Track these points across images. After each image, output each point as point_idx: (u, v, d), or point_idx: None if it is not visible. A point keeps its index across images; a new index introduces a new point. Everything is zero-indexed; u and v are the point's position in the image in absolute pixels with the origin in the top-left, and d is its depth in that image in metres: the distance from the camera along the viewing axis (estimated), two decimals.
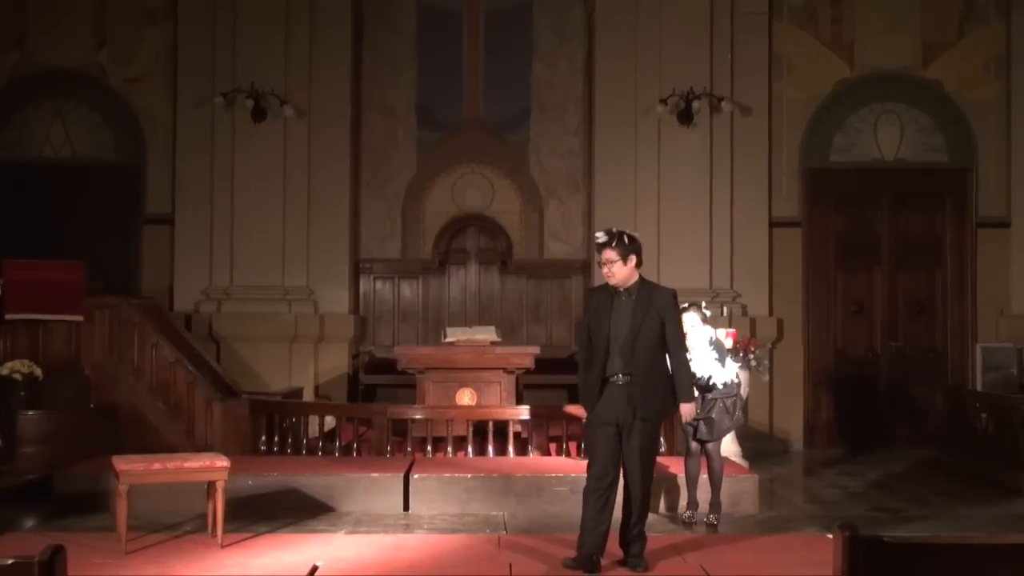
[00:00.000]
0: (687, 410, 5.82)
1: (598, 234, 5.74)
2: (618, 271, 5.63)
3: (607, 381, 5.62)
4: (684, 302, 7.14)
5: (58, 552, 3.03)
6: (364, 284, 12.09)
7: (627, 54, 11.29)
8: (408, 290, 12.15)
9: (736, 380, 7.00)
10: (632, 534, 5.70)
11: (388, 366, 10.37)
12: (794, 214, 11.61)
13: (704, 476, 7.01)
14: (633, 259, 5.64)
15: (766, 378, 9.68)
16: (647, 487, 5.72)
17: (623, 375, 5.58)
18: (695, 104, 10.96)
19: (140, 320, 9.37)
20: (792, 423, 11.38)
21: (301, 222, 11.24)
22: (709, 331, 7.01)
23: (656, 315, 5.63)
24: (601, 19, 11.46)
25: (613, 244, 5.60)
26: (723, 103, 11.08)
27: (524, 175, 12.15)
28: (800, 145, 11.63)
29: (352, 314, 11.54)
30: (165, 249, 11.41)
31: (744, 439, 9.26)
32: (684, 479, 7.10)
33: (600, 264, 5.72)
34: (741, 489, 7.40)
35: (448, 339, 9.26)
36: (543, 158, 12.15)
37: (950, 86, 11.61)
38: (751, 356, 8.87)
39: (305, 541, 6.28)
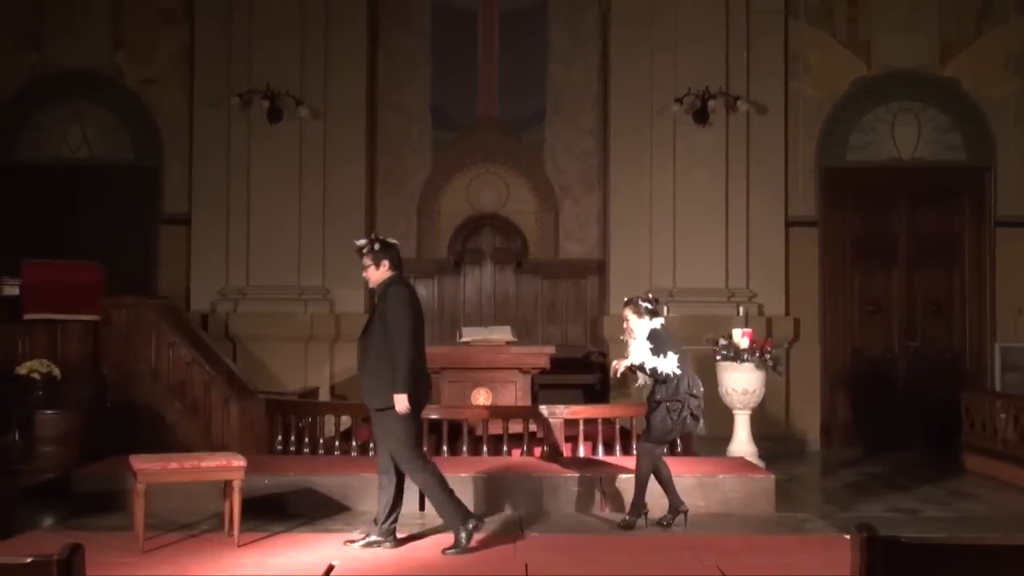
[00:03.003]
0: (395, 401, 5.91)
1: (356, 243, 6.21)
2: (371, 274, 6.14)
3: None
4: (624, 297, 7.17)
5: (76, 551, 3.04)
6: None
7: (642, 54, 11.28)
8: (423, 290, 12.14)
9: (684, 387, 6.68)
10: (445, 522, 6.10)
11: None
12: (810, 213, 11.57)
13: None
14: (385, 264, 6.10)
15: (782, 378, 9.64)
16: (414, 476, 6.01)
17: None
18: (711, 104, 10.94)
19: (157, 320, 9.40)
20: (809, 423, 11.34)
21: (317, 222, 11.27)
22: (648, 324, 6.80)
23: (378, 312, 6.04)
24: (616, 19, 11.45)
25: (365, 251, 6.11)
26: (739, 102, 11.05)
27: (539, 175, 12.14)
28: (816, 144, 11.59)
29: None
30: (182, 249, 11.46)
31: (760, 439, 9.23)
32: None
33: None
34: (758, 489, 7.37)
35: (463, 339, 9.26)
36: (558, 158, 12.14)
37: (968, 84, 11.55)
38: (767, 356, 8.84)
39: (321, 540, 6.29)
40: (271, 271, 11.15)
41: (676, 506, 6.84)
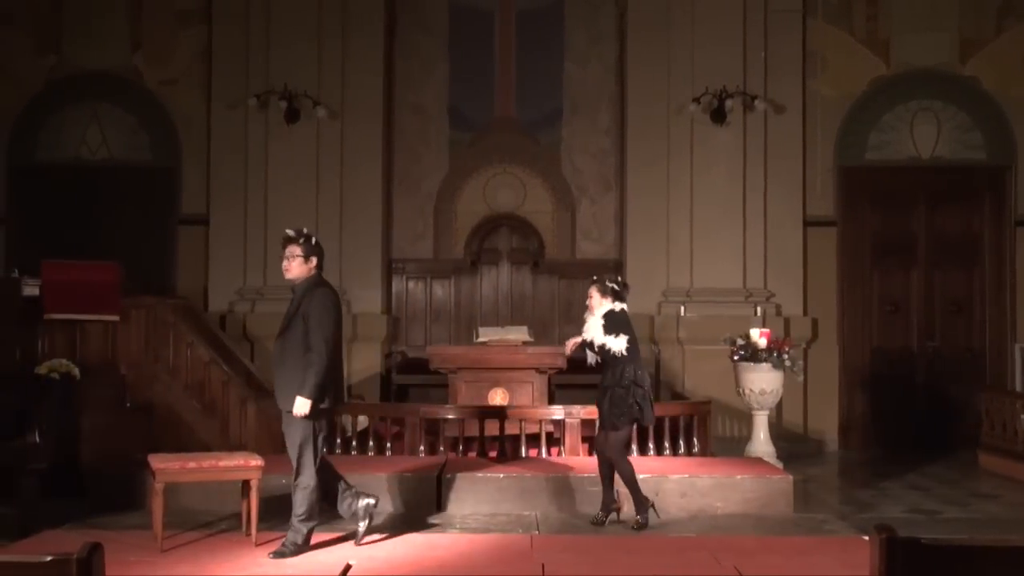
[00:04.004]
0: (297, 403, 5.82)
1: (288, 231, 6.10)
2: (296, 266, 5.99)
3: None
4: (594, 275, 7.24)
5: (96, 550, 3.05)
6: (396, 284, 12.13)
7: (660, 53, 11.25)
8: (440, 290, 12.17)
9: (630, 374, 6.72)
10: (290, 526, 5.92)
11: (420, 366, 10.38)
12: (829, 213, 11.52)
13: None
14: (313, 260, 6.03)
15: (800, 378, 9.60)
16: (299, 479, 5.88)
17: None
18: (728, 103, 10.90)
19: (175, 320, 9.45)
20: (827, 424, 11.28)
21: (334, 222, 11.29)
22: (609, 305, 6.85)
23: (302, 311, 5.92)
24: (633, 18, 11.43)
25: (300, 241, 6.00)
26: (756, 102, 11.01)
27: (556, 175, 12.13)
28: (835, 143, 11.53)
29: (384, 314, 11.57)
30: (200, 249, 11.51)
31: (778, 439, 9.19)
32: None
33: (281, 257, 6.04)
34: (775, 490, 7.35)
35: (480, 339, 9.26)
36: (575, 157, 12.12)
37: (988, 83, 11.46)
38: (785, 356, 8.80)
39: (338, 540, 6.30)
40: None
41: (608, 504, 6.89)
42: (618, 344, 6.72)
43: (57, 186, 11.55)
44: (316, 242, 6.07)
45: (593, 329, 6.83)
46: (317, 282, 6.05)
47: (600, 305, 6.88)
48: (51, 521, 6.74)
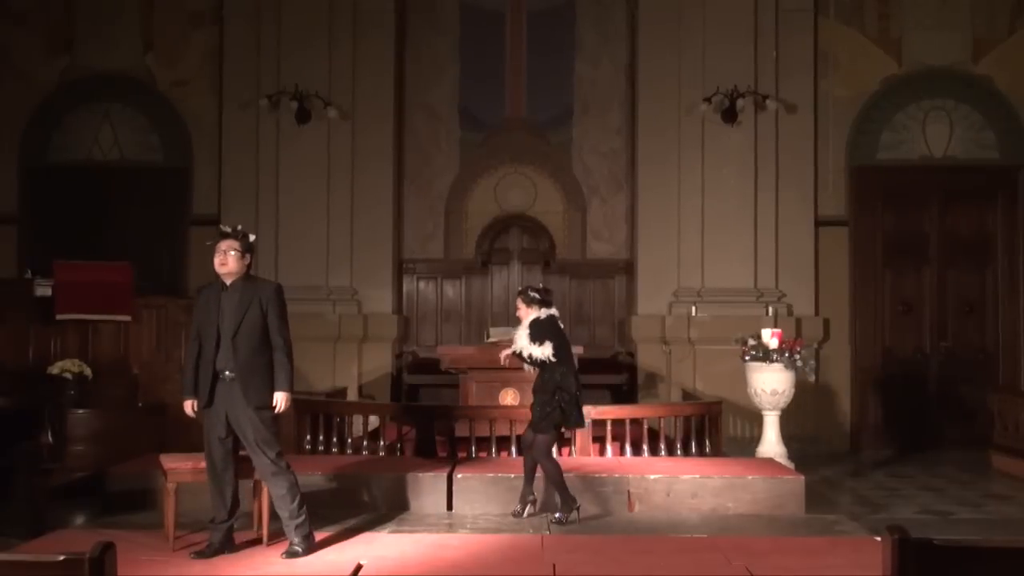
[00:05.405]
0: (278, 398, 5.82)
1: (224, 227, 6.13)
2: (233, 261, 5.93)
3: (218, 376, 5.83)
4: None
5: (108, 549, 3.07)
6: (407, 284, 12.14)
7: (671, 52, 11.24)
8: (451, 290, 12.18)
9: (556, 378, 6.78)
10: (288, 526, 5.84)
11: (431, 366, 10.40)
12: (840, 213, 11.49)
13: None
14: (248, 257, 6.02)
15: (812, 378, 9.57)
16: (282, 474, 5.82)
17: (229, 370, 5.79)
18: (739, 102, 10.89)
19: (187, 320, 9.47)
20: (838, 424, 11.26)
21: (345, 223, 11.31)
22: (535, 313, 6.93)
23: (259, 307, 5.89)
24: (644, 17, 11.42)
25: (239, 237, 6.00)
26: (768, 101, 10.99)
27: (567, 175, 12.13)
28: (847, 143, 11.51)
29: (395, 314, 11.59)
30: (211, 250, 11.47)
31: (790, 440, 9.16)
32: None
33: (216, 253, 5.99)
34: (787, 491, 7.31)
35: (491, 339, 9.25)
36: (586, 157, 12.12)
37: (1001, 82, 11.43)
38: (797, 356, 8.77)
39: (349, 540, 6.30)
40: (300, 272, 11.20)
41: (526, 496, 6.97)
42: (543, 352, 6.81)
43: (69, 187, 11.60)
44: (252, 240, 6.11)
45: (520, 339, 6.93)
46: (265, 280, 6.15)
47: (527, 315, 6.97)
48: (64, 520, 6.76)
